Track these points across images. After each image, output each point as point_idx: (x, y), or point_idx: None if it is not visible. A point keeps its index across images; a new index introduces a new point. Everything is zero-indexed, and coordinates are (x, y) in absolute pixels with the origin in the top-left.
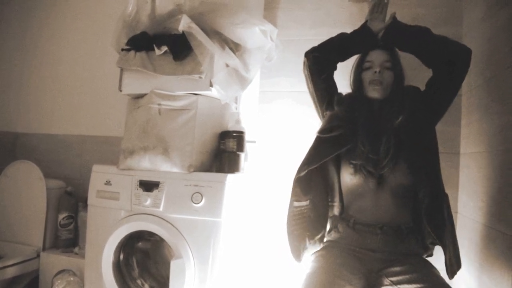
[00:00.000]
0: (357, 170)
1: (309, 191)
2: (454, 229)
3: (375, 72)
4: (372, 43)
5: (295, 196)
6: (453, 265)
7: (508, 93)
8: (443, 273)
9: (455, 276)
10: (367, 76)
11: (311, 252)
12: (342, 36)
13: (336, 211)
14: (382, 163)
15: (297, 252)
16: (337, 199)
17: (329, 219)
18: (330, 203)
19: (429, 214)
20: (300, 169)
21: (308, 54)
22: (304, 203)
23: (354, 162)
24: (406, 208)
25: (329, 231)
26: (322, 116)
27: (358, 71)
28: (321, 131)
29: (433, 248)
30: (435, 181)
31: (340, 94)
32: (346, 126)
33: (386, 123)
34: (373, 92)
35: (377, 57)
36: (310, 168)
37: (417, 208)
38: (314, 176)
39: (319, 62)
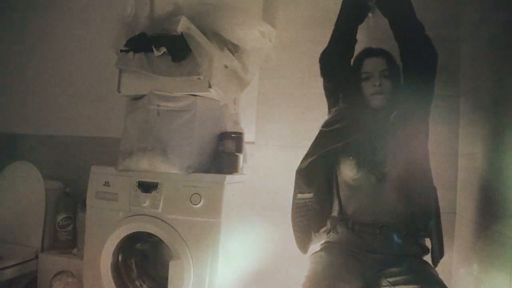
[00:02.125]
0: (359, 169)
1: (313, 184)
2: (440, 221)
3: (375, 85)
4: (365, 9)
5: (298, 188)
6: (436, 253)
7: (505, 95)
8: (441, 275)
9: (454, 277)
10: (367, 87)
11: (317, 245)
12: (335, 27)
13: (335, 208)
14: (382, 166)
15: (303, 244)
16: (335, 195)
17: (328, 220)
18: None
19: (419, 205)
20: (302, 161)
21: (319, 60)
22: (307, 195)
23: (356, 166)
24: (405, 202)
25: (328, 232)
26: (329, 112)
27: (357, 81)
28: (324, 125)
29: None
30: (425, 173)
31: (347, 91)
32: (347, 121)
33: (383, 124)
34: (376, 102)
35: (374, 66)
36: (310, 159)
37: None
38: (318, 170)
39: (331, 61)
